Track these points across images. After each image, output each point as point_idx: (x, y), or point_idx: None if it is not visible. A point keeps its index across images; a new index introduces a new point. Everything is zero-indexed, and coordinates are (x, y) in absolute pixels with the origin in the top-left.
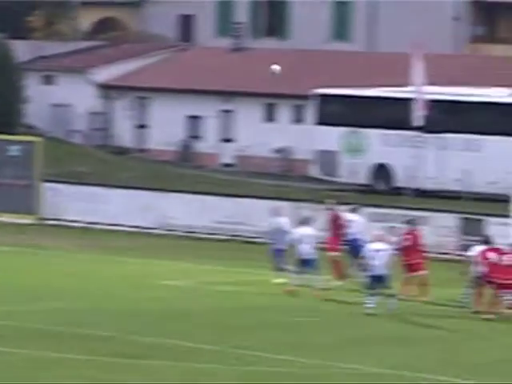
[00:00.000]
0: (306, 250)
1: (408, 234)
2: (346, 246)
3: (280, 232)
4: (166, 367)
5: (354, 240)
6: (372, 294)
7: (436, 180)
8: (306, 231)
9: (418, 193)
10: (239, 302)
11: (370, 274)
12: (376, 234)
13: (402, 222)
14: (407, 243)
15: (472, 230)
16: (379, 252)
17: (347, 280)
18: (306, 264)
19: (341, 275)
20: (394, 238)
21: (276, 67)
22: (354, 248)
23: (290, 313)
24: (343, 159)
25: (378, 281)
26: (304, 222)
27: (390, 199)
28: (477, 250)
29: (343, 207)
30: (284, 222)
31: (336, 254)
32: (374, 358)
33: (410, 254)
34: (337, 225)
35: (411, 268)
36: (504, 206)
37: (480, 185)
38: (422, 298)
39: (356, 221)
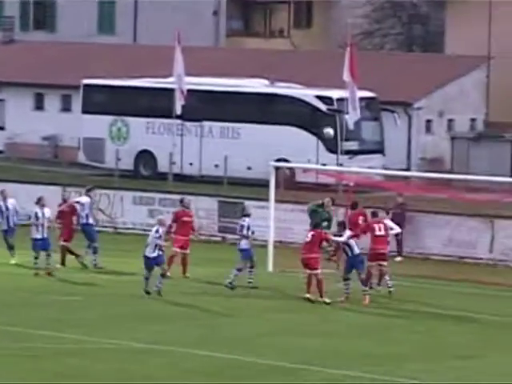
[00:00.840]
0: (40, 232)
1: (178, 214)
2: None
3: (10, 213)
4: None
5: (87, 224)
6: (147, 278)
7: (197, 166)
8: (46, 212)
9: (180, 178)
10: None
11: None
12: (159, 219)
13: (179, 203)
14: (176, 223)
15: (230, 212)
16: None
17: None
18: (38, 247)
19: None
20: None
21: (329, 131)
22: (88, 232)
23: (51, 293)
24: (109, 146)
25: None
26: (39, 202)
27: (153, 184)
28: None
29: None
30: (12, 203)
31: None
32: (131, 334)
33: (181, 232)
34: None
35: (178, 246)
36: (260, 190)
37: (238, 170)
38: (185, 275)
39: (86, 202)
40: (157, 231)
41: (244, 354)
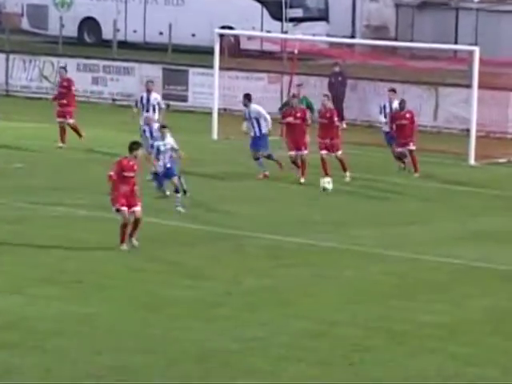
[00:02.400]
0: None
1: None
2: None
3: None
4: None
5: None
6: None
7: (141, 33)
8: None
9: (125, 45)
10: None
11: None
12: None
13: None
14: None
15: (175, 80)
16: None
17: None
18: None
19: None
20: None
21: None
22: None
23: None
24: (52, 12)
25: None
26: None
27: (97, 51)
28: None
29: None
30: None
31: None
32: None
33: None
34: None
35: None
36: (205, 57)
37: (182, 37)
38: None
39: None
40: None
41: (186, 221)
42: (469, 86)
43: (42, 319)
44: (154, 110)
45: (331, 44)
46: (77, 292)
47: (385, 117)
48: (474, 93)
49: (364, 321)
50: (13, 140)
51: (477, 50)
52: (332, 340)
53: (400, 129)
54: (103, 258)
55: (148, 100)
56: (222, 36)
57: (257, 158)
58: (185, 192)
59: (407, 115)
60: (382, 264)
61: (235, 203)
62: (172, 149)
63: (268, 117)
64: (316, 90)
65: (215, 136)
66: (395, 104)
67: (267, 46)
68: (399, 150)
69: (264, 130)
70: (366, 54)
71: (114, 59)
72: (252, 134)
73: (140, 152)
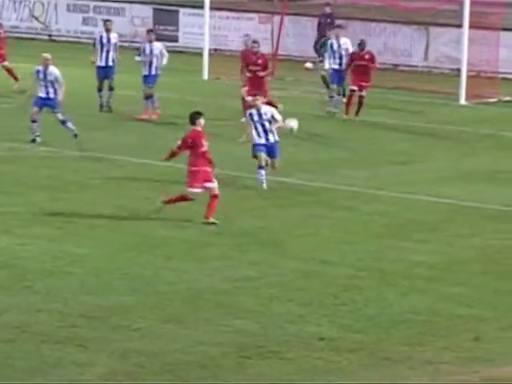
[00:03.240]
0: None
1: None
2: None
3: None
4: None
5: None
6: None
7: None
8: None
9: None
10: None
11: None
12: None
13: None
14: None
15: (165, 20)
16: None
17: None
18: None
19: None
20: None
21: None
22: None
23: None
24: None
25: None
26: None
27: None
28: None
29: None
30: None
31: None
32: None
33: None
34: None
35: None
36: None
37: None
38: None
39: None
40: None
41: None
42: (459, 26)
43: (32, 259)
44: (115, 49)
45: None
46: (68, 232)
47: (333, 55)
48: (464, 32)
49: (355, 261)
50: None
51: None
52: (323, 280)
53: (358, 70)
54: (94, 199)
55: (108, 40)
56: None
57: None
58: (75, 136)
59: (366, 56)
60: (374, 204)
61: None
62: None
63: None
64: (307, 31)
65: (205, 76)
66: (343, 40)
67: None
68: (353, 88)
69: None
70: None
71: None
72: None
73: (202, 121)
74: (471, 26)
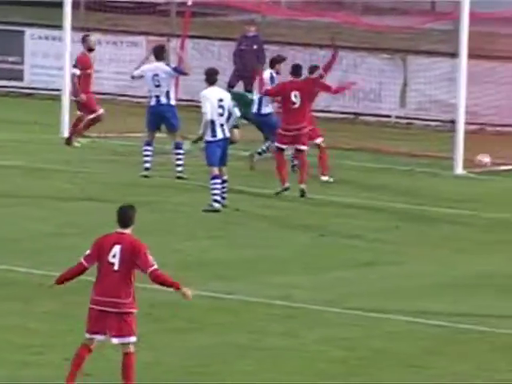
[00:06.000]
0: None
1: None
2: None
3: None
4: None
5: None
6: None
7: None
8: None
9: None
10: None
11: None
12: None
13: None
14: None
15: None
16: None
17: None
18: None
19: None
20: None
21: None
22: None
23: None
24: None
25: None
26: None
27: None
28: None
29: None
30: None
31: None
32: None
33: None
34: None
35: None
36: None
37: None
38: None
39: None
40: None
41: None
42: (454, 55)
43: None
44: None
45: None
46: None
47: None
48: (461, 64)
49: None
50: None
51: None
52: None
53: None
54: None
55: None
56: None
57: None
58: None
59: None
60: (322, 328)
61: None
62: None
63: None
64: (221, 62)
65: (65, 133)
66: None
67: None
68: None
69: None
70: (298, 8)
71: None
72: None
73: None
74: (472, 55)
